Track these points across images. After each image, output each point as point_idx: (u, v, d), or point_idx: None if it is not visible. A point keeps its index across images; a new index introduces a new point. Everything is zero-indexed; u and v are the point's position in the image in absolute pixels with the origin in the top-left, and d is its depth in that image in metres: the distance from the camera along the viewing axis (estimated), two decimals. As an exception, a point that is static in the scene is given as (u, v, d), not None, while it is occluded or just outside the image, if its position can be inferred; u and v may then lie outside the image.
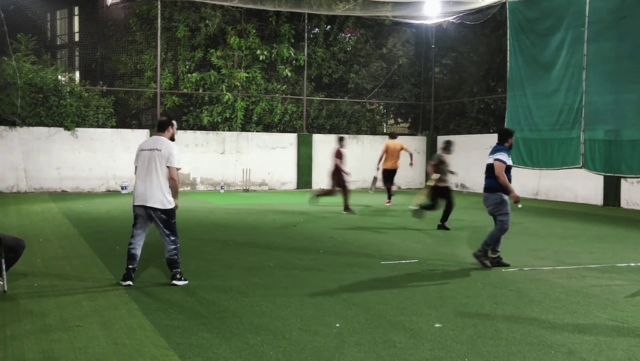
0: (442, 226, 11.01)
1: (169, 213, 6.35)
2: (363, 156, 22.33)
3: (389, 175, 15.51)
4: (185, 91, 20.77)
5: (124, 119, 21.62)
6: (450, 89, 23.76)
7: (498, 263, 7.64)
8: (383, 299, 5.90)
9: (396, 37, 24.85)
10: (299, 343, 4.60)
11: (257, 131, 21.21)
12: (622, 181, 15.77)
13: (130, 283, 6.36)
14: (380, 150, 16.01)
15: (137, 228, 6.45)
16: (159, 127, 6.63)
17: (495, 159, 7.54)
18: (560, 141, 17.31)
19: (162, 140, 6.44)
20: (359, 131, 23.04)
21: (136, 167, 6.46)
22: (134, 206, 6.42)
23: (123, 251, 8.34)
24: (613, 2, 15.64)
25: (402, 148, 15.35)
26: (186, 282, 6.45)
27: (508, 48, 19.14)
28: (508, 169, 7.56)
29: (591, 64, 16.28)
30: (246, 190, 20.28)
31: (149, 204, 6.27)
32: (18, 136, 17.88)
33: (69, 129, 18.54)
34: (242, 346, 4.50)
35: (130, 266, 6.40)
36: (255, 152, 20.71)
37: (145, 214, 6.37)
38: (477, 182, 20.86)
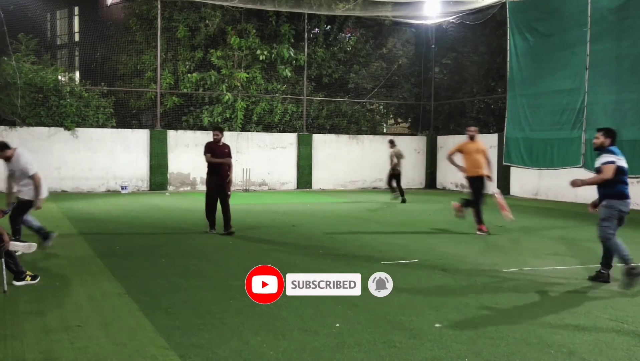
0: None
1: None
2: (363, 156, 22.33)
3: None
4: (185, 91, 20.76)
5: (124, 119, 21.62)
6: (450, 89, 23.75)
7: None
8: (383, 300, 5.86)
9: (396, 37, 24.86)
10: (299, 343, 4.59)
11: (257, 131, 21.20)
12: (622, 181, 15.73)
13: None
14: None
15: None
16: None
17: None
18: (561, 141, 17.29)
19: None
20: (359, 131, 23.03)
21: None
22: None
23: (123, 251, 8.37)
24: (615, 3, 15.64)
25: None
26: None
27: (508, 48, 19.12)
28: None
29: (593, 64, 16.27)
30: (246, 190, 20.27)
31: None
32: (18, 136, 17.86)
33: (69, 129, 18.54)
34: (242, 346, 4.50)
35: None
36: (255, 152, 20.70)
37: None
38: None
